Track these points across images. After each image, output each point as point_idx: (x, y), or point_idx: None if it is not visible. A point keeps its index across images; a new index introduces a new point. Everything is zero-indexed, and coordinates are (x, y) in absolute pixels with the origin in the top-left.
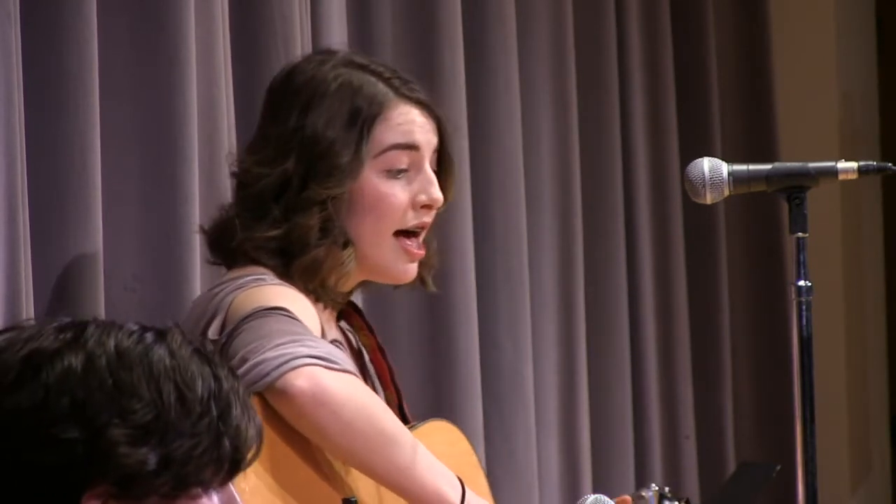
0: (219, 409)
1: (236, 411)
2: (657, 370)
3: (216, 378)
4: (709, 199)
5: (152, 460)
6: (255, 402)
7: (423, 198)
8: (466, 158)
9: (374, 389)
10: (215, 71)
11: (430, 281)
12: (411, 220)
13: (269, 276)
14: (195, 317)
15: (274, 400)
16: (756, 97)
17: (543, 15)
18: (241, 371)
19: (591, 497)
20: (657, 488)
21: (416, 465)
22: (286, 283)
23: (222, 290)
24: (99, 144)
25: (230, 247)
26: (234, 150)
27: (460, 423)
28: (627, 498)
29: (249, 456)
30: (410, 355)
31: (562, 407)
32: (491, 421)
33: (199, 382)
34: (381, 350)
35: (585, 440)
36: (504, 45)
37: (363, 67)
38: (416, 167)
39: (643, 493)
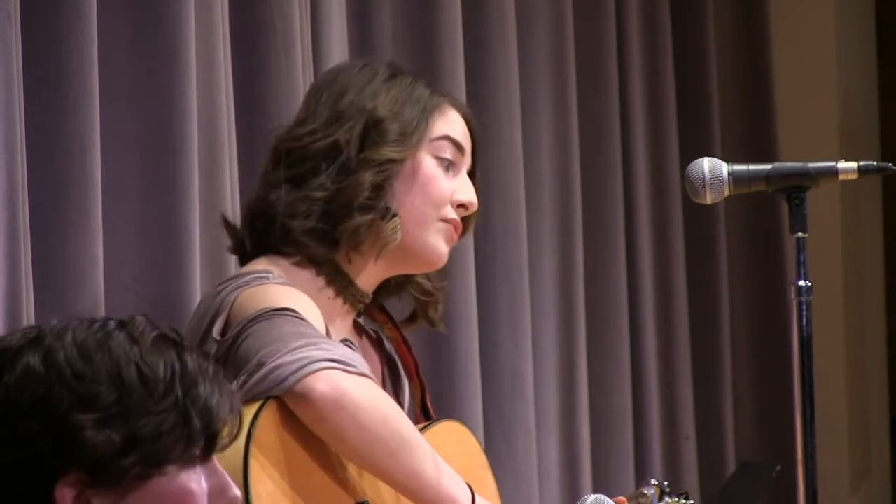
0: (184, 387)
1: (204, 388)
2: (657, 370)
3: (181, 359)
4: (709, 199)
5: (118, 440)
6: (272, 407)
7: (461, 197)
8: None
9: (400, 380)
10: (215, 71)
11: (438, 320)
12: (450, 214)
13: (272, 275)
14: (199, 315)
15: (293, 404)
16: (756, 97)
17: (543, 15)
18: (258, 376)
19: (591, 497)
20: (657, 483)
21: (432, 470)
22: (288, 283)
23: (225, 288)
24: (99, 144)
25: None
26: (234, 152)
27: None
28: (623, 500)
29: (226, 432)
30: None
31: (562, 407)
32: (491, 421)
33: (162, 363)
34: (407, 344)
35: (585, 440)
36: (504, 45)
37: (409, 72)
38: (457, 168)
39: (645, 491)
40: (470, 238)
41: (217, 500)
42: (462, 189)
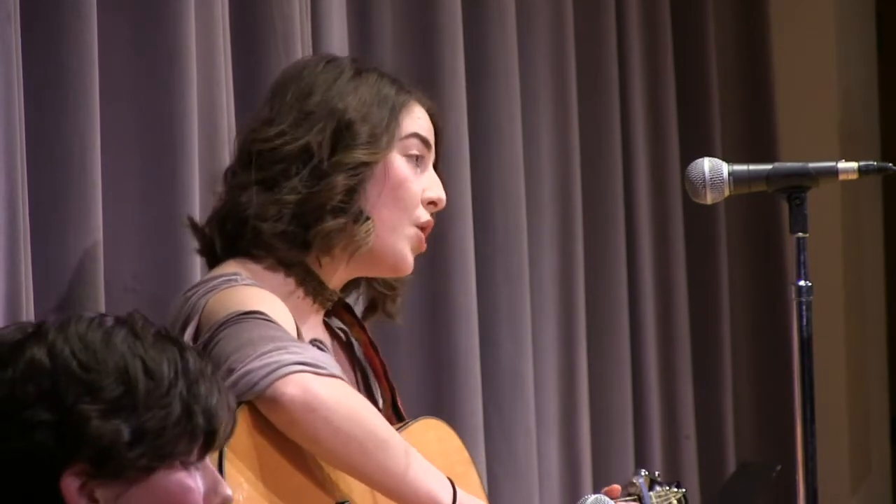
0: (187, 383)
1: (205, 385)
2: (657, 370)
3: (182, 356)
4: (709, 199)
5: (125, 432)
6: (244, 412)
7: (430, 194)
8: (466, 158)
9: (370, 383)
10: (215, 71)
11: (395, 312)
12: (423, 217)
13: (241, 276)
14: (170, 322)
15: (265, 408)
16: (756, 97)
17: (543, 15)
18: (228, 382)
19: (592, 497)
20: (646, 473)
21: (409, 468)
22: (257, 284)
23: (194, 293)
24: (99, 144)
25: (229, 219)
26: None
27: (460, 423)
28: (617, 487)
29: (223, 432)
30: (410, 355)
31: (562, 407)
32: (491, 421)
33: (165, 359)
34: (374, 346)
35: (585, 440)
36: (504, 45)
37: (374, 69)
38: (424, 163)
39: (634, 480)
40: (470, 238)
41: (211, 500)
42: (431, 185)
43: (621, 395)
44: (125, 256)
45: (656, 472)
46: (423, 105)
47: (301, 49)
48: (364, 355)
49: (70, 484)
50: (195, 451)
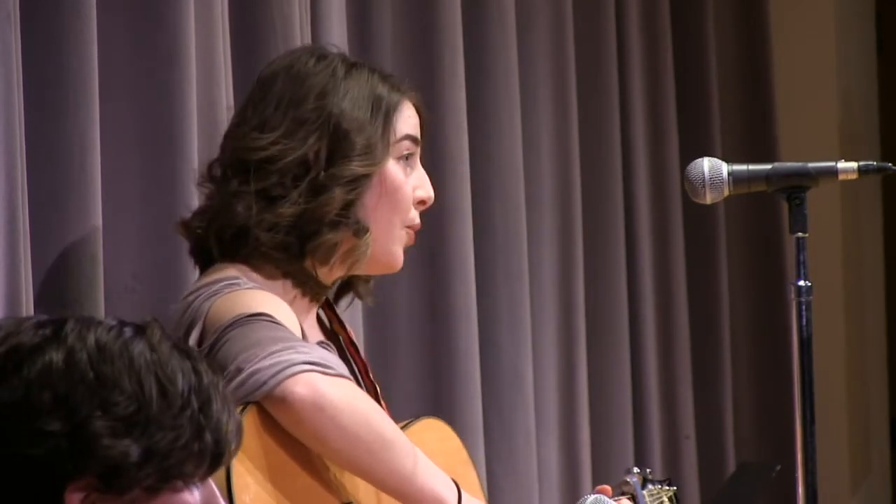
0: (199, 403)
1: (217, 405)
2: (657, 370)
3: (196, 372)
4: (709, 199)
5: (135, 452)
6: (252, 412)
7: (421, 194)
8: (466, 159)
9: (357, 381)
10: (215, 71)
11: (365, 293)
12: (415, 220)
13: (243, 280)
14: (173, 327)
15: (272, 408)
16: (756, 97)
17: (543, 15)
18: (236, 381)
19: (591, 497)
20: (639, 471)
21: (415, 469)
22: (260, 287)
23: (197, 297)
24: (99, 144)
25: (227, 228)
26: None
27: (460, 423)
28: (607, 487)
29: (229, 455)
30: (410, 355)
31: (562, 407)
32: (491, 421)
33: (180, 376)
34: (354, 345)
35: (585, 440)
36: (504, 45)
37: (362, 64)
38: (413, 161)
39: (627, 479)
40: (469, 239)
41: None
42: (420, 184)
43: (621, 396)
44: (125, 256)
45: (648, 471)
46: (411, 100)
47: None
48: (347, 353)
49: (74, 498)
50: (200, 473)
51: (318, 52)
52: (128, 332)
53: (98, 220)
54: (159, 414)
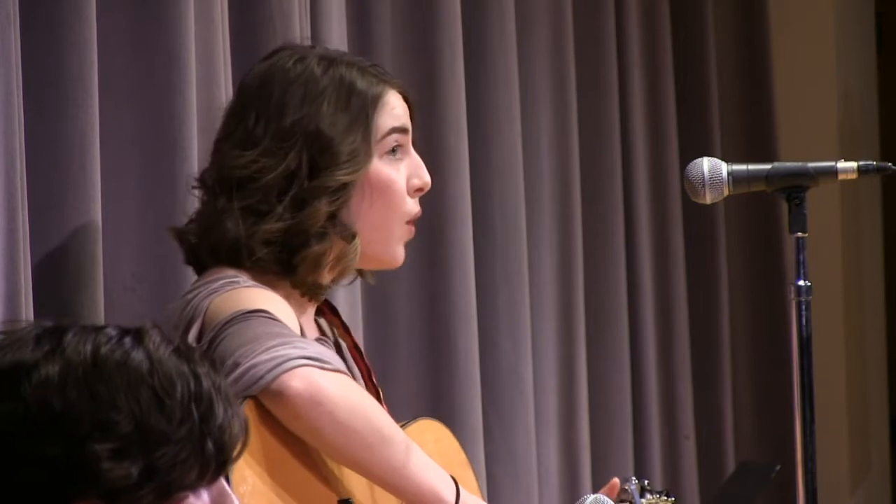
0: (200, 412)
1: (218, 410)
2: (657, 370)
3: (195, 376)
4: (708, 199)
5: (135, 473)
6: (249, 406)
7: (416, 181)
8: (466, 158)
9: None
10: (215, 71)
11: (367, 272)
12: (413, 209)
13: (242, 279)
14: (171, 325)
15: (269, 402)
16: (756, 97)
17: (543, 15)
18: (233, 376)
19: (591, 497)
20: (637, 481)
21: (412, 464)
22: (259, 285)
23: (196, 295)
24: (99, 144)
25: (221, 244)
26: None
27: (460, 423)
28: (616, 481)
29: (236, 452)
30: (410, 355)
31: (562, 407)
32: (491, 421)
33: (179, 385)
34: (358, 349)
35: (585, 440)
36: (504, 45)
37: (341, 60)
38: (405, 151)
39: (626, 487)
40: (469, 238)
41: None
42: (414, 171)
43: (621, 395)
44: (125, 256)
45: (646, 481)
46: (395, 88)
47: None
48: (350, 357)
49: None
50: (206, 480)
51: (295, 55)
52: (126, 342)
53: (98, 219)
54: (158, 430)
